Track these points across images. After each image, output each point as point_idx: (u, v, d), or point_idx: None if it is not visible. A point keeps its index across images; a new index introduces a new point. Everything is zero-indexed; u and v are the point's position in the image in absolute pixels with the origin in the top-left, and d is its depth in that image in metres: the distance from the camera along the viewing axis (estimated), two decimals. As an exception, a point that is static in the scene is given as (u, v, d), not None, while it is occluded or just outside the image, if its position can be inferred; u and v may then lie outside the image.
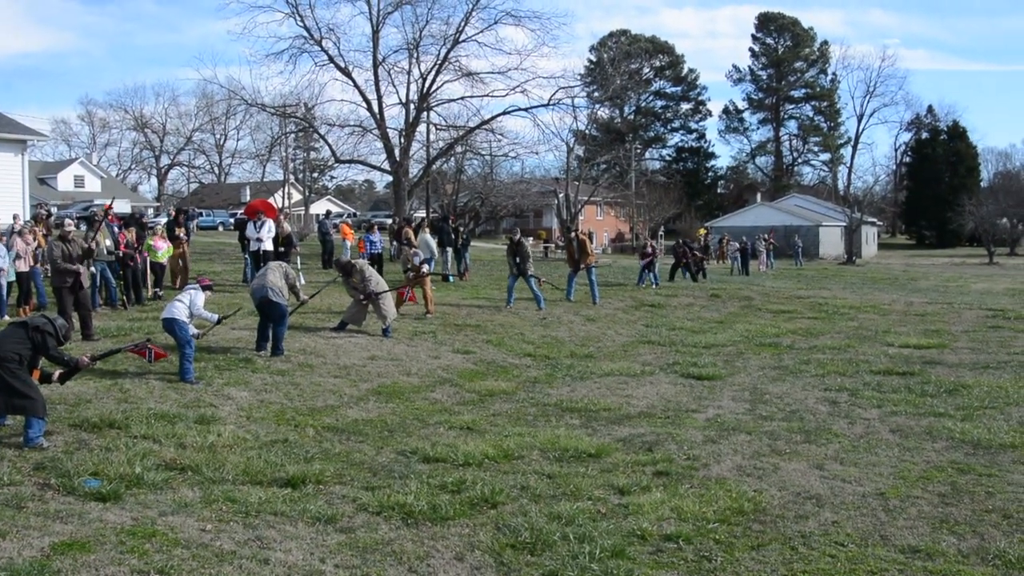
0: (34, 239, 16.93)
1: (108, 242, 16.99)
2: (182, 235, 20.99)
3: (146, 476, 7.81)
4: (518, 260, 20.62)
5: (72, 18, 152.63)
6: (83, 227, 20.78)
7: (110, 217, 19.55)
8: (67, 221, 15.43)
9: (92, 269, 15.89)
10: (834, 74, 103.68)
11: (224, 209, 70.55)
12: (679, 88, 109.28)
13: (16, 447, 8.43)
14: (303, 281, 21.27)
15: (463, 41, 38.22)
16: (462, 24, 37.72)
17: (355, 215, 76.59)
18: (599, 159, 59.98)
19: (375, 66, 38.65)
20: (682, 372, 14.25)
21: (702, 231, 57.72)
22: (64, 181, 68.53)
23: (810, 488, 8.15)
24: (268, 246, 20.68)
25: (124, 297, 17.49)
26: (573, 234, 25.27)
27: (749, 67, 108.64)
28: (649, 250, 28.77)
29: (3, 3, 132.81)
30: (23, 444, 8.45)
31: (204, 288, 12.43)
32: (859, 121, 70.27)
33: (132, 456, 8.33)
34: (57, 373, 9.50)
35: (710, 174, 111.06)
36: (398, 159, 39.18)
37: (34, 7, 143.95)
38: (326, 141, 44.56)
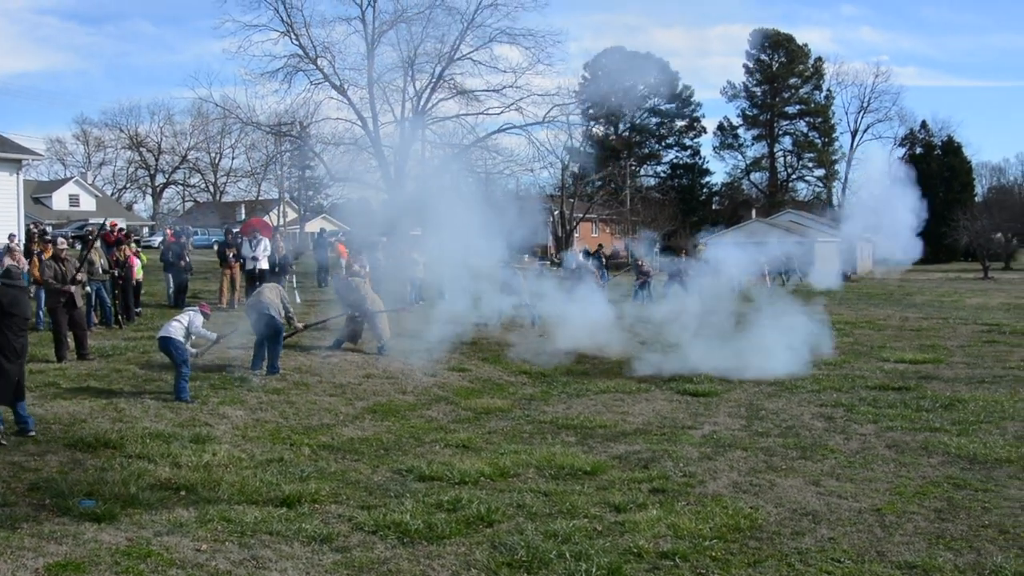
0: (32, 255, 16.86)
1: (103, 261, 16.98)
2: (232, 257, 21.04)
3: (141, 496, 7.79)
4: None
5: (70, 38, 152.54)
6: (77, 246, 20.76)
7: (113, 235, 19.55)
8: (60, 240, 15.41)
9: (88, 288, 15.85)
10: (828, 90, 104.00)
11: (219, 228, 70.57)
12: (673, 105, 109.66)
13: (11, 466, 8.40)
14: (299, 300, 21.27)
15: (458, 59, 38.36)
16: (457, 42, 37.84)
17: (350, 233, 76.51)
18: (594, 176, 60.14)
19: (370, 84, 38.73)
20: (678, 388, 14.24)
21: (702, 247, 57.55)
22: (59, 200, 68.37)
23: (806, 504, 8.14)
24: (264, 265, 20.67)
25: (119, 316, 17.45)
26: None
27: (743, 83, 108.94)
28: (644, 268, 28.81)
29: (2, 23, 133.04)
30: None
31: (203, 315, 12.44)
32: (853, 137, 70.59)
33: (127, 476, 8.31)
34: None
35: (705, 190, 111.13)
36: (393, 177, 39.24)
37: (33, 28, 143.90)
38: (321, 159, 44.59)
